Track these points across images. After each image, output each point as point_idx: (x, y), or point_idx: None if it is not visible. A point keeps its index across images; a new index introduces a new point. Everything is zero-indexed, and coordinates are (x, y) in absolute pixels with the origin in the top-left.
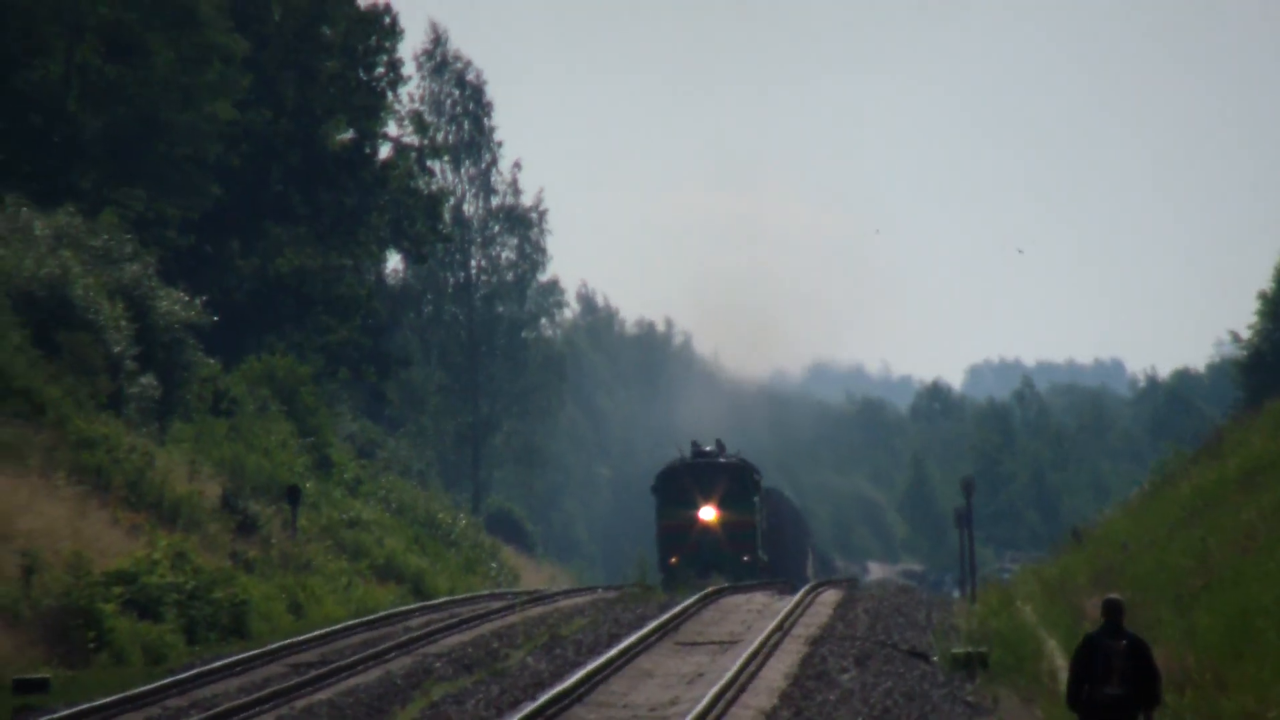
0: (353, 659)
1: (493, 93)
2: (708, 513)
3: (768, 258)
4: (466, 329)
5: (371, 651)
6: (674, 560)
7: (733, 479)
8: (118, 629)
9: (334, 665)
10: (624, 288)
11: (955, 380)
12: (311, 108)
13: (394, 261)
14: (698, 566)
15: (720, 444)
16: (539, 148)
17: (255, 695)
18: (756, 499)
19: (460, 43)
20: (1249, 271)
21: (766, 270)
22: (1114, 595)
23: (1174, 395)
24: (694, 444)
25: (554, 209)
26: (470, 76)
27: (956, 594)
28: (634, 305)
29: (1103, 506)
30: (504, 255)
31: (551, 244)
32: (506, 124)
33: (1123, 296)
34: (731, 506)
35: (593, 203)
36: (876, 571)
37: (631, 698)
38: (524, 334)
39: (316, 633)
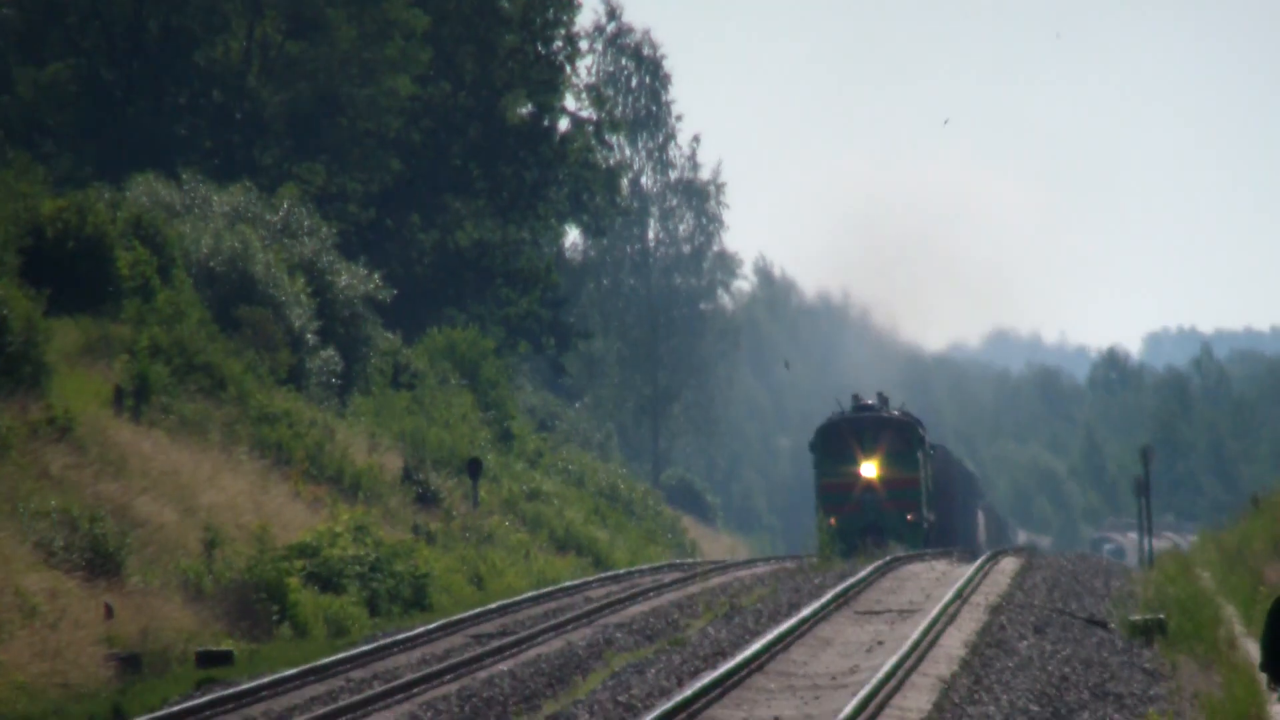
0: (534, 630)
1: (669, 63)
2: (869, 470)
3: (945, 227)
4: (645, 301)
5: (552, 622)
6: (833, 520)
7: (896, 434)
8: (300, 602)
9: (515, 636)
10: (801, 259)
11: (1133, 348)
12: (491, 82)
13: (573, 235)
14: (859, 526)
15: (882, 397)
16: (714, 114)
17: (437, 666)
18: (921, 455)
19: (636, 13)
20: None
21: (943, 239)
22: None
23: None
24: (855, 397)
25: (730, 179)
26: (647, 50)
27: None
28: (811, 276)
29: None
30: (681, 228)
31: (728, 216)
32: (682, 92)
33: None
34: (895, 463)
35: (769, 172)
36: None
37: (811, 666)
38: (701, 306)
39: (497, 604)
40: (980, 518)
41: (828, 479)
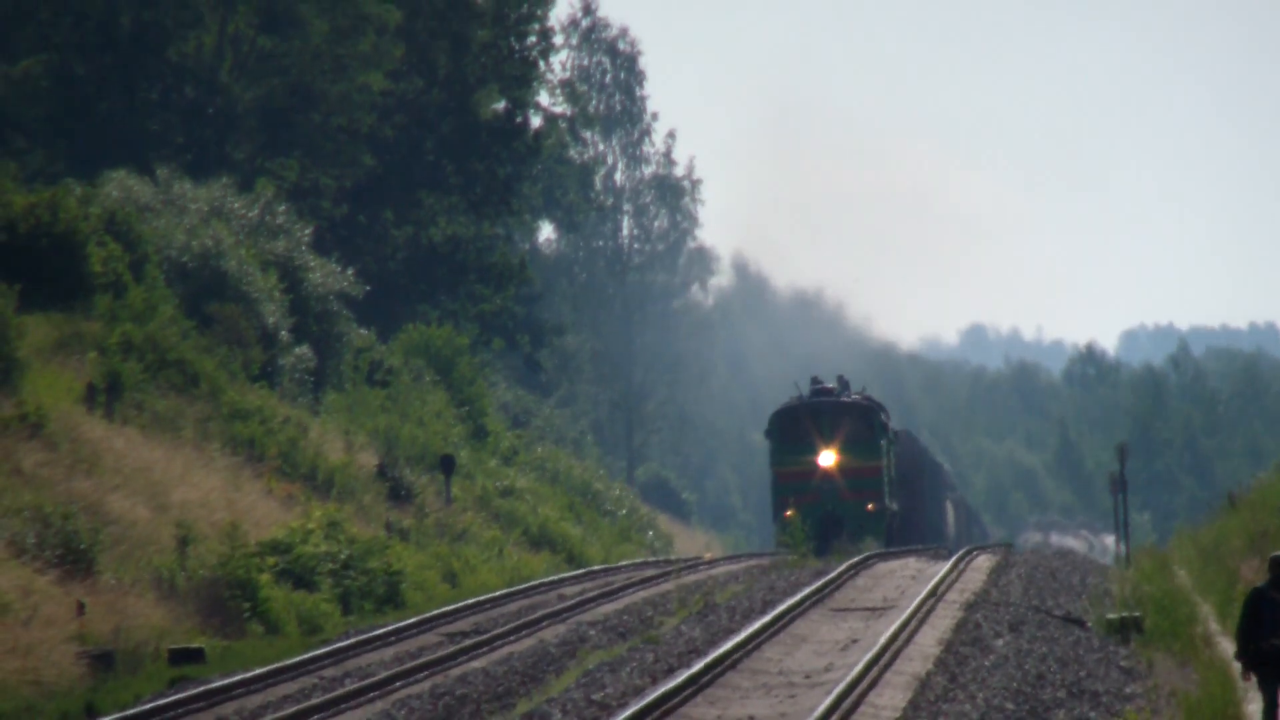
0: (507, 627)
1: (645, 59)
2: (828, 458)
3: (922, 223)
4: (619, 297)
5: (526, 620)
6: (789, 513)
7: (857, 420)
8: (272, 599)
9: (488, 634)
10: (776, 255)
11: (1109, 345)
12: (464, 77)
13: (547, 230)
14: (817, 517)
15: (843, 381)
16: (689, 109)
17: (410, 664)
18: (884, 442)
19: (612, 7)
20: None
21: (921, 236)
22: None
23: None
24: (814, 380)
25: (706, 174)
26: (623, 46)
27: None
28: (786, 272)
29: (1258, 471)
30: (656, 224)
31: (703, 212)
32: (656, 87)
33: (1276, 259)
34: (855, 451)
35: (744, 166)
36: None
37: (786, 664)
38: (675, 303)
39: (470, 601)
40: (949, 510)
41: (783, 467)
